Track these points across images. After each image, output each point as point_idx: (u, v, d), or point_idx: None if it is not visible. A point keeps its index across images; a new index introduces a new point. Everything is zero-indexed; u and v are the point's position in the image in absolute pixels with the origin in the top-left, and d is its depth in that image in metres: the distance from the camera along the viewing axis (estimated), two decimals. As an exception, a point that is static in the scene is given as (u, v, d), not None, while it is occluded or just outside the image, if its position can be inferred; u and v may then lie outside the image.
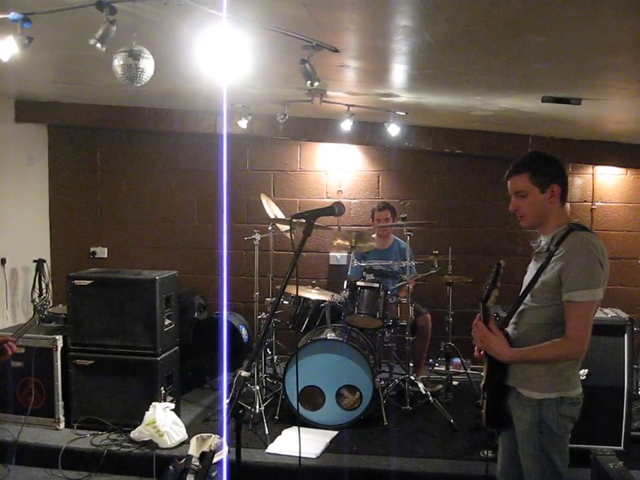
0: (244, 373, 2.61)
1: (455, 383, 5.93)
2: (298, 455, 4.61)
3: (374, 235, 6.30)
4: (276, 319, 6.15)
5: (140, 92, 5.24)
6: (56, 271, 7.43)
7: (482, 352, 3.15)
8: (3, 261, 6.69)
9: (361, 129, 6.64)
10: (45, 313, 4.42)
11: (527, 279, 3.02)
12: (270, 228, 5.92)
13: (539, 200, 2.92)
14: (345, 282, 5.78)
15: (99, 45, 2.54)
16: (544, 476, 2.88)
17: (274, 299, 6.03)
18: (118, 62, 2.65)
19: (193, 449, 4.66)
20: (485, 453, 4.60)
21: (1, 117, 6.75)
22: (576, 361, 2.91)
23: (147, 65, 2.66)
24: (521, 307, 2.97)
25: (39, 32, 2.93)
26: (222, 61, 2.69)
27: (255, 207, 7.00)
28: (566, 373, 2.87)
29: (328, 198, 7.19)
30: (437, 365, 6.52)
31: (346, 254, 6.92)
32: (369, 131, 6.77)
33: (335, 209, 2.97)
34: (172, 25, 3.04)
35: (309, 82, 3.18)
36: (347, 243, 5.92)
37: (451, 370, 6.04)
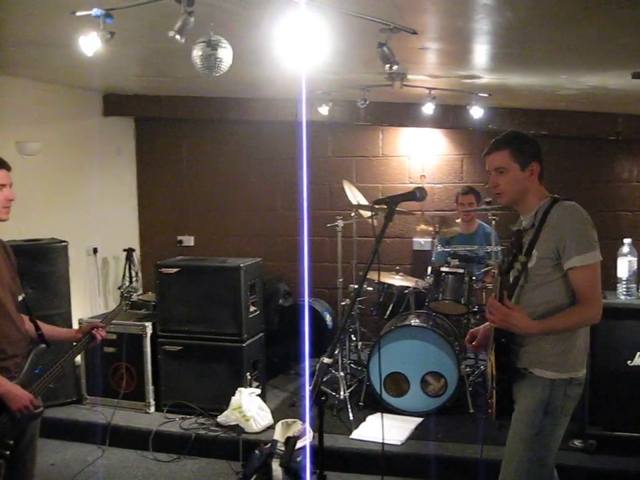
0: (326, 360, 2.60)
1: (543, 370, 5.77)
2: (382, 441, 4.63)
3: (458, 220, 6.20)
4: (360, 305, 6.15)
5: (221, 82, 5.30)
6: (145, 259, 7.64)
7: (473, 344, 3.19)
8: (95, 251, 6.94)
9: (444, 112, 6.52)
10: (132, 299, 4.50)
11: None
12: (353, 214, 5.91)
13: (519, 177, 2.93)
14: (429, 268, 5.72)
15: (177, 37, 2.57)
16: (529, 463, 2.85)
17: (357, 285, 6.03)
18: (197, 53, 2.68)
19: (278, 434, 4.73)
20: (575, 443, 4.49)
21: (91, 111, 6.98)
22: (586, 341, 2.92)
23: (225, 55, 2.68)
24: (517, 290, 2.92)
25: (121, 27, 3.00)
26: (301, 48, 2.67)
27: (337, 194, 7.00)
28: (578, 354, 2.87)
29: (411, 183, 7.12)
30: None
31: (430, 239, 6.84)
32: (452, 114, 6.65)
33: (416, 194, 2.94)
34: (250, 13, 3.05)
35: (387, 65, 3.13)
36: (431, 229, 5.86)
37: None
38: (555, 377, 2.83)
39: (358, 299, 6.01)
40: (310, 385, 2.58)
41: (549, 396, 2.82)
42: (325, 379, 5.48)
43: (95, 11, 2.70)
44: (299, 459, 4.35)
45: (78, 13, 2.79)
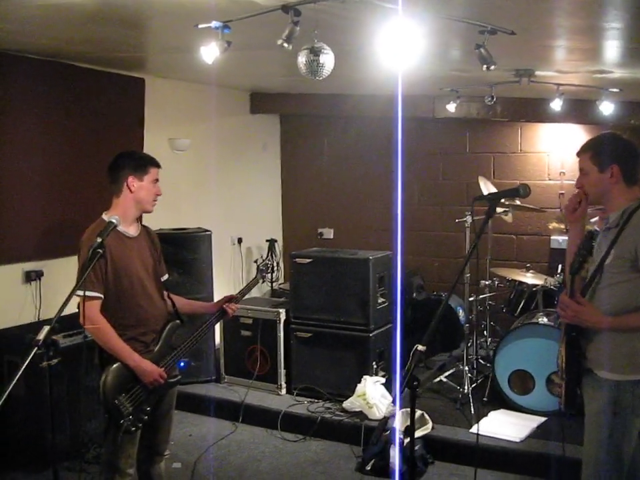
0: (420, 347, 2.74)
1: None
2: (502, 437, 4.68)
3: (596, 218, 6.02)
4: (490, 302, 6.15)
5: (358, 80, 5.49)
6: (286, 250, 7.98)
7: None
8: (239, 240, 7.36)
9: (582, 107, 6.30)
10: (267, 272, 4.59)
11: (597, 256, 2.98)
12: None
13: (598, 179, 3.00)
14: (560, 266, 5.64)
15: (285, 45, 2.79)
16: (607, 464, 2.81)
17: (489, 281, 6.04)
18: (301, 59, 2.88)
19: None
20: None
21: (239, 109, 7.40)
22: None
23: (327, 60, 2.87)
24: (592, 286, 2.93)
25: (260, 34, 3.25)
26: (398, 50, 2.78)
27: (474, 190, 6.97)
28: None
29: (550, 180, 6.97)
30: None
31: (567, 238, 6.68)
32: (590, 109, 6.43)
33: (519, 191, 3.07)
34: (354, 20, 3.21)
35: (485, 66, 3.20)
36: (562, 226, 5.75)
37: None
38: (621, 379, 2.85)
39: (489, 294, 6.04)
40: (402, 370, 2.72)
41: (616, 397, 2.84)
42: (450, 372, 5.63)
43: (215, 23, 2.98)
44: (417, 447, 4.47)
45: (200, 26, 3.08)
